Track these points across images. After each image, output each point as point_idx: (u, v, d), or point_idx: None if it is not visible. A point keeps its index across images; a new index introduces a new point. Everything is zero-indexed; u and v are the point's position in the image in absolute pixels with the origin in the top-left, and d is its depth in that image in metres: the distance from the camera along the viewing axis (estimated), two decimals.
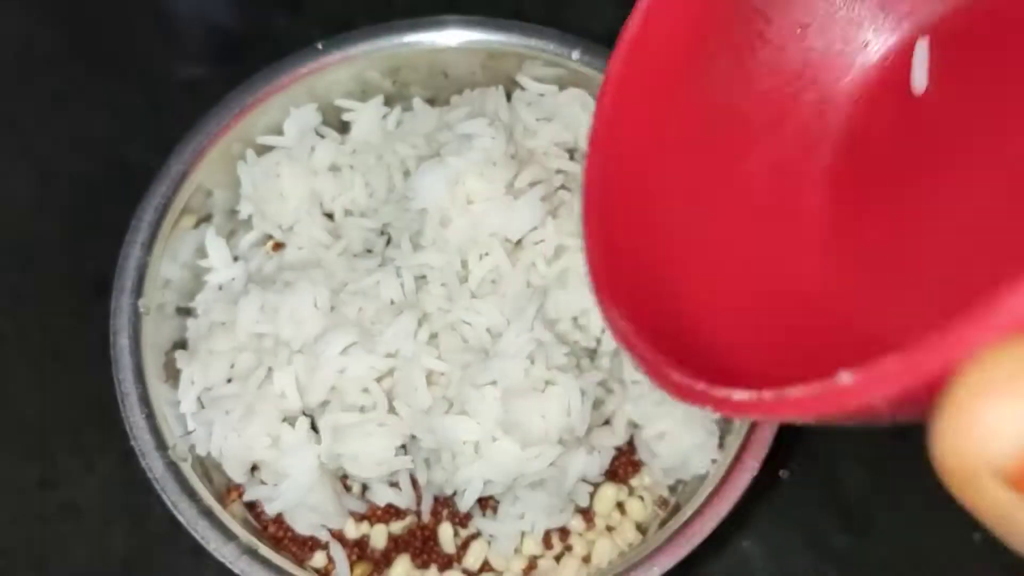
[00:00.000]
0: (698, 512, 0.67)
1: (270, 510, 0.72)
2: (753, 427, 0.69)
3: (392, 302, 0.73)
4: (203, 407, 0.74)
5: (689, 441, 0.72)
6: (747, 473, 0.68)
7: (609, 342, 0.73)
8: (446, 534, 0.74)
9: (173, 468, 0.69)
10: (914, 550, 0.95)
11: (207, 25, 1.22)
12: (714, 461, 0.71)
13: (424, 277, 0.74)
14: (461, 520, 0.74)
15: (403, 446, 0.72)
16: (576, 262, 0.74)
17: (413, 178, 0.73)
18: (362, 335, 0.70)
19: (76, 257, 1.05)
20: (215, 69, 1.16)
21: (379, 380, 0.71)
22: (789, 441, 0.98)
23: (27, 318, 1.03)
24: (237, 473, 0.73)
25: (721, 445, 0.72)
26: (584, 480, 0.71)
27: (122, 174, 1.08)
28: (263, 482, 0.72)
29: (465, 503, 0.69)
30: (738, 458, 0.68)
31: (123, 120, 1.13)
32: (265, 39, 1.19)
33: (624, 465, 0.76)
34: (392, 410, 0.71)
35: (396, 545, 0.75)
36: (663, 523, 0.74)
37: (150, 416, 0.70)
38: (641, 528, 0.76)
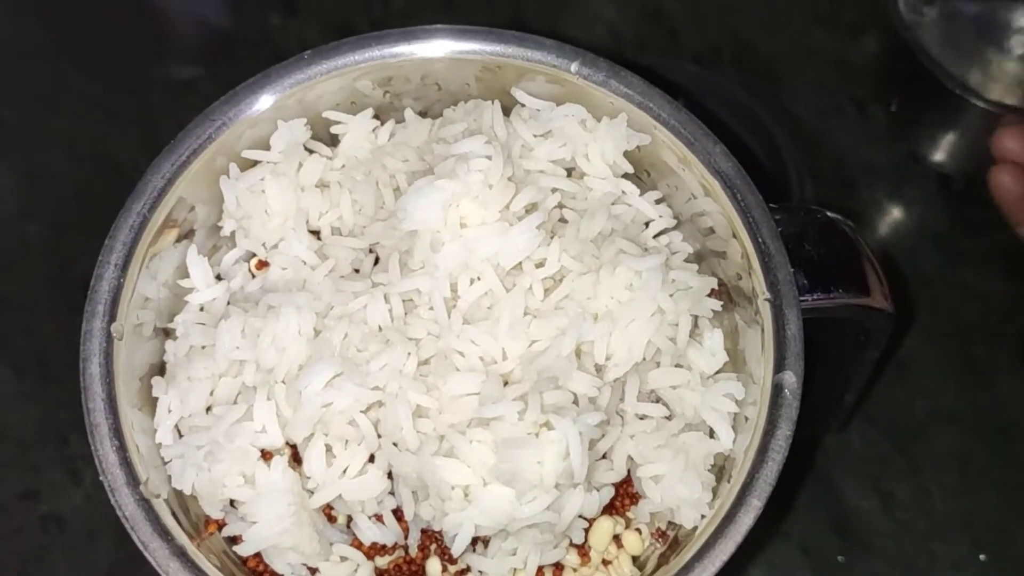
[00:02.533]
0: (698, 555, 0.64)
1: (241, 552, 0.69)
2: (757, 467, 0.66)
3: (380, 328, 0.69)
4: (181, 436, 0.71)
5: (684, 491, 0.69)
6: (751, 514, 0.65)
7: (612, 371, 0.70)
8: (434, 569, 0.71)
9: (144, 505, 0.66)
10: (916, 569, 0.95)
11: (199, 24, 1.21)
12: (703, 517, 0.69)
13: (412, 301, 0.71)
14: (450, 556, 0.71)
15: (389, 475, 0.69)
16: (579, 286, 0.71)
17: (405, 198, 0.70)
18: (347, 365, 0.67)
19: (64, 261, 1.03)
20: (208, 69, 1.15)
21: (366, 411, 0.68)
22: (791, 458, 0.97)
23: (12, 323, 1.02)
24: (213, 509, 0.70)
25: (714, 496, 0.70)
26: (580, 516, 0.68)
27: (112, 175, 1.07)
28: (242, 518, 0.69)
29: (456, 548, 0.66)
30: (741, 497, 0.65)
31: (113, 121, 1.11)
32: (259, 39, 1.17)
33: (621, 497, 0.73)
34: (380, 446, 0.68)
35: None
36: (662, 556, 0.72)
37: (121, 448, 0.67)
38: (638, 562, 0.74)
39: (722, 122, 1.08)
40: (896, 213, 1.09)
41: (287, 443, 0.70)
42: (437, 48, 0.76)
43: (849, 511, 0.96)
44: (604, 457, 0.71)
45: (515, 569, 0.70)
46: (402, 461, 0.67)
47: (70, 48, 1.16)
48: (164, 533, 0.65)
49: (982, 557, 0.94)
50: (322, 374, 0.67)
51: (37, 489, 0.96)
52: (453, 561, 0.71)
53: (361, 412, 0.68)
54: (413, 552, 0.72)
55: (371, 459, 0.69)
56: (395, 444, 0.68)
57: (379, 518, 0.71)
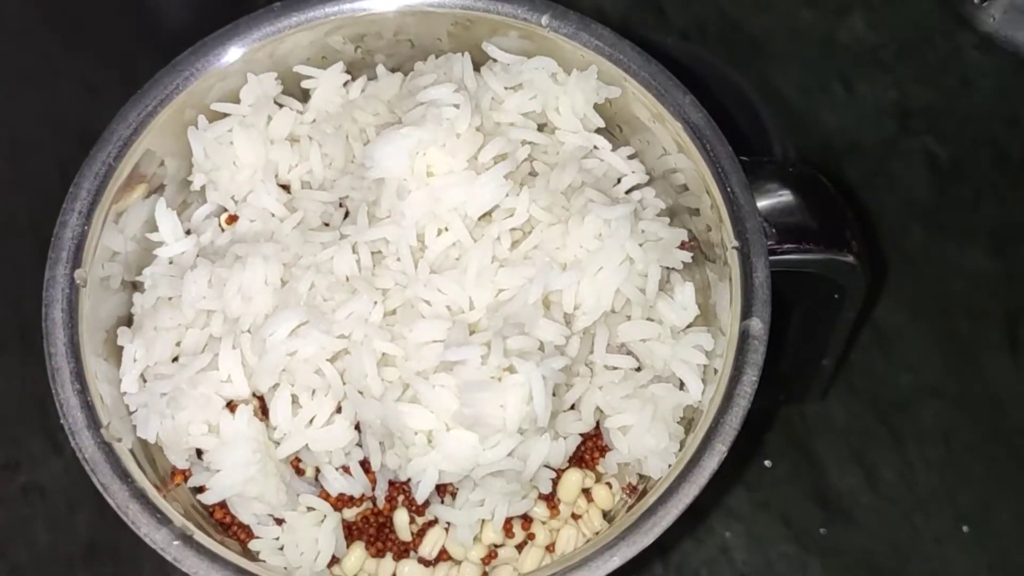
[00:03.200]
0: (662, 499, 0.64)
1: (205, 500, 0.69)
2: (722, 412, 0.66)
3: (347, 279, 0.69)
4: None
5: (651, 442, 0.69)
6: (715, 458, 0.65)
7: (581, 320, 0.70)
8: (402, 521, 0.71)
9: (105, 448, 0.66)
10: (899, 542, 0.95)
11: None
12: (670, 466, 0.69)
13: (380, 252, 0.71)
14: (418, 508, 0.71)
15: (356, 427, 0.69)
16: (548, 236, 0.71)
17: (372, 145, 0.70)
18: (312, 314, 0.67)
19: (47, 236, 1.03)
20: (192, 43, 1.14)
21: (332, 360, 0.68)
22: (773, 431, 0.97)
23: None
24: (178, 459, 0.70)
25: (681, 447, 0.70)
26: (547, 466, 0.68)
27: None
28: (207, 467, 0.69)
29: (420, 494, 0.66)
30: (706, 442, 0.65)
31: (96, 95, 1.11)
32: (242, 14, 1.16)
33: (591, 450, 0.73)
34: (345, 395, 0.68)
35: (350, 532, 0.72)
36: (631, 510, 0.71)
37: (82, 392, 0.67)
38: (608, 516, 0.74)
39: (709, 98, 1.08)
40: (882, 190, 1.09)
41: (254, 394, 0.70)
42: (408, 0, 0.76)
43: (832, 483, 0.96)
44: (572, 408, 0.71)
45: (483, 520, 0.70)
46: (367, 408, 0.67)
47: (53, 23, 1.15)
48: (124, 475, 0.65)
49: (965, 529, 0.94)
50: (287, 322, 0.66)
51: (18, 460, 0.96)
52: (420, 512, 0.71)
53: (327, 361, 0.68)
54: (381, 504, 0.72)
55: (338, 410, 0.69)
56: (360, 393, 0.67)
57: (346, 470, 0.71)
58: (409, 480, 0.68)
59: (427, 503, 0.71)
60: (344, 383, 0.68)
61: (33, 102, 1.11)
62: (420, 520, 0.72)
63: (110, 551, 0.92)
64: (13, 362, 0.99)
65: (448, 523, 0.71)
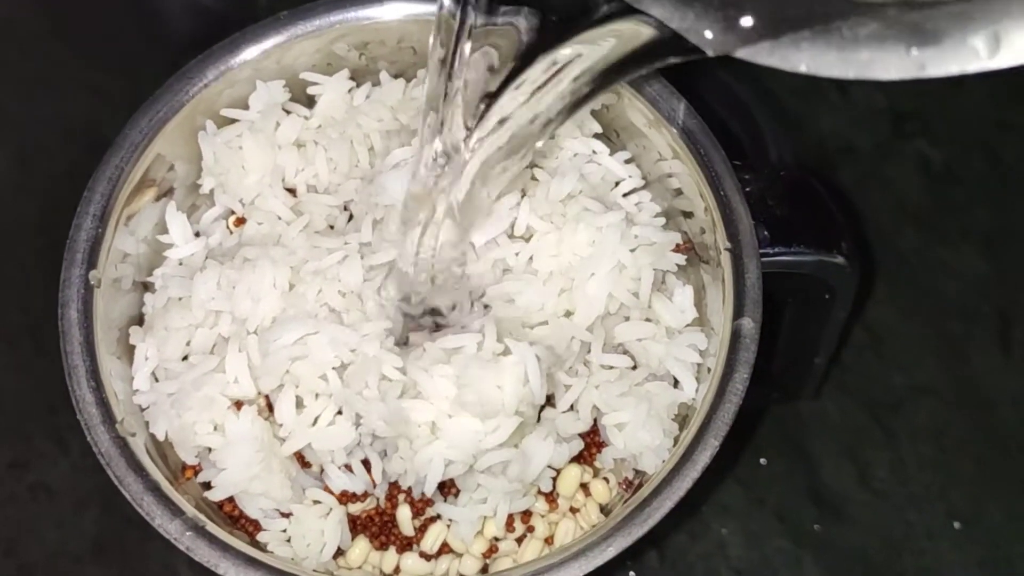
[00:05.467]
0: (656, 491, 0.66)
1: (212, 496, 0.71)
2: (715, 408, 0.68)
3: (353, 291, 0.72)
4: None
5: (646, 438, 0.71)
6: (707, 452, 0.66)
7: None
8: (404, 516, 0.73)
9: (119, 442, 0.67)
10: (891, 537, 0.96)
11: (190, 5, 1.22)
12: (664, 462, 0.71)
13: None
14: (420, 507, 0.73)
15: (357, 426, 0.71)
16: (544, 244, 0.73)
17: (384, 175, 0.73)
18: (320, 324, 0.69)
19: (56, 239, 1.04)
20: (198, 50, 1.16)
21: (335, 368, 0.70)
22: (768, 429, 0.98)
23: (5, 300, 1.03)
24: (188, 455, 0.72)
25: (675, 443, 0.71)
26: (549, 466, 0.70)
27: (103, 154, 1.08)
28: (214, 465, 0.71)
29: (428, 487, 0.68)
30: (699, 437, 0.67)
31: (104, 101, 1.12)
32: (247, 19, 1.17)
33: (588, 446, 0.75)
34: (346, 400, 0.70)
35: (354, 526, 0.74)
36: (627, 504, 0.73)
37: (97, 389, 0.68)
38: (605, 510, 0.76)
39: (705, 103, 1.09)
40: (876, 192, 1.10)
41: (260, 393, 0.72)
42: (410, 8, 0.78)
43: (825, 480, 0.97)
44: (571, 409, 0.73)
45: (484, 517, 0.72)
46: (369, 410, 0.68)
47: (63, 31, 1.17)
48: (138, 468, 0.67)
49: (956, 525, 0.95)
50: (294, 331, 0.69)
51: (26, 459, 0.97)
52: (422, 511, 0.73)
53: (332, 369, 0.70)
54: (382, 504, 0.74)
55: (340, 411, 0.71)
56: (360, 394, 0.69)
57: (349, 468, 0.72)
58: (411, 488, 0.70)
59: (430, 500, 0.72)
60: (345, 387, 0.70)
61: (42, 108, 1.13)
62: (423, 516, 0.74)
63: (117, 549, 0.93)
64: (23, 362, 1.00)
65: (451, 519, 0.72)
